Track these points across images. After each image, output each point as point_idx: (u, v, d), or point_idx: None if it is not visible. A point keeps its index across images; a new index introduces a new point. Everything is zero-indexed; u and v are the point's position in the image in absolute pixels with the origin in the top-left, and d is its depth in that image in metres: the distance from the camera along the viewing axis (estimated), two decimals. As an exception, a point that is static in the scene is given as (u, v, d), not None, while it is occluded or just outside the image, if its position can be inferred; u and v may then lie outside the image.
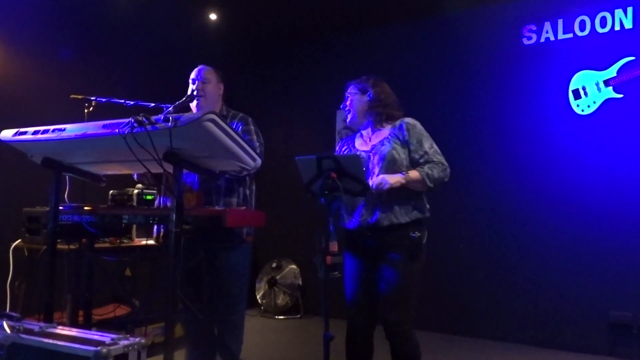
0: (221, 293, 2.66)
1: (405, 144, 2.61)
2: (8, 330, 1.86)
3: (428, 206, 2.66)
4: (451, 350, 4.42)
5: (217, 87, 2.86)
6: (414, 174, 2.53)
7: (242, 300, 2.75)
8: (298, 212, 5.17)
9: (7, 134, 2.36)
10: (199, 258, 2.56)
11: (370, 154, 2.64)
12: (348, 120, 2.80)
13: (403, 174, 2.52)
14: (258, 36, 5.95)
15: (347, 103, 2.78)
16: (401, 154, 2.58)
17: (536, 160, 4.60)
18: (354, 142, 2.82)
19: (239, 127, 2.75)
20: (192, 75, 2.85)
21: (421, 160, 2.58)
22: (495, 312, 4.71)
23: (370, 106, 2.71)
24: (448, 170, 2.60)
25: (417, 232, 2.56)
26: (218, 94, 2.86)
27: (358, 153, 2.63)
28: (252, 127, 2.79)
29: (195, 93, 2.76)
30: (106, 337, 1.86)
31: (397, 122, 2.69)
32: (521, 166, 4.68)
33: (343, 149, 2.84)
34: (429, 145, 2.61)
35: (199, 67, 2.87)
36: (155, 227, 2.88)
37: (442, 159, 2.61)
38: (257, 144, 2.72)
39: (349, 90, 2.79)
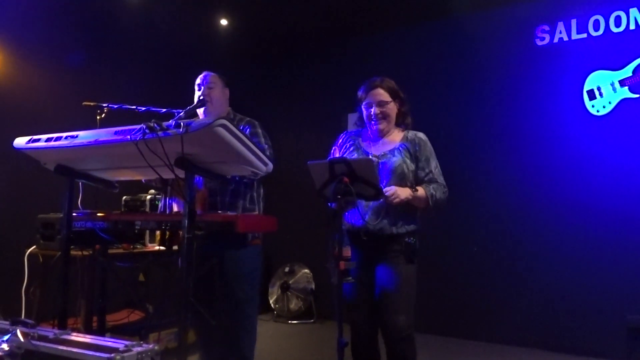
0: (229, 298, 2.64)
1: (414, 159, 2.62)
2: (22, 338, 1.86)
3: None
4: (465, 355, 4.37)
5: (223, 92, 2.87)
6: (421, 192, 2.57)
7: (252, 305, 2.73)
8: (310, 216, 5.14)
9: (21, 141, 2.37)
10: (211, 263, 2.54)
11: (381, 161, 2.62)
12: (381, 126, 2.68)
13: (412, 190, 2.54)
14: (268, 40, 5.95)
15: (386, 110, 2.66)
16: (409, 168, 2.60)
17: (551, 161, 4.55)
18: (358, 141, 2.76)
19: (246, 131, 2.74)
20: (197, 81, 2.87)
21: (425, 179, 2.62)
22: (509, 316, 4.65)
23: (397, 113, 2.71)
24: (447, 192, 2.65)
25: (412, 238, 2.60)
26: (224, 98, 2.88)
27: (370, 156, 2.61)
28: (259, 130, 2.78)
29: (202, 98, 2.77)
30: (119, 344, 1.84)
31: (410, 134, 2.69)
32: (536, 168, 4.63)
33: (348, 145, 2.78)
34: (434, 165, 2.65)
35: (204, 73, 2.88)
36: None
37: (443, 181, 2.65)
38: (266, 146, 2.71)
39: (382, 95, 2.66)
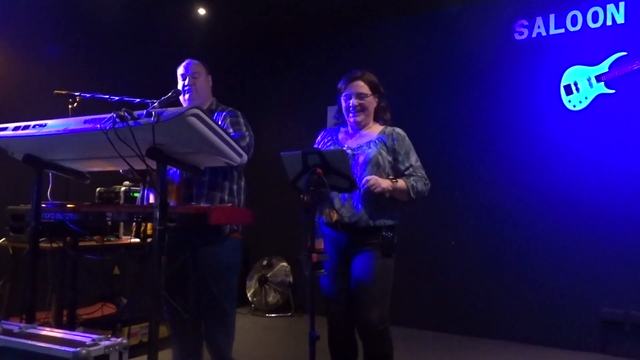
0: (204, 292, 2.60)
1: (391, 151, 2.62)
2: (-13, 332, 1.81)
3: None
4: (443, 349, 4.40)
5: (207, 80, 2.83)
6: (401, 183, 2.56)
7: (229, 298, 2.68)
8: (289, 209, 5.12)
9: (-13, 130, 2.30)
10: (185, 256, 2.50)
11: (356, 153, 2.61)
12: (359, 119, 2.67)
13: (392, 181, 2.53)
14: (248, 32, 5.89)
15: (364, 103, 2.65)
16: (385, 160, 2.60)
17: (528, 156, 4.59)
18: (337, 135, 2.77)
19: (227, 120, 2.69)
20: (180, 70, 2.80)
21: (406, 172, 2.62)
22: (487, 309, 4.68)
23: (376, 107, 2.70)
24: (429, 184, 2.65)
25: (389, 232, 2.59)
26: (208, 86, 2.83)
27: (344, 148, 2.59)
28: (241, 120, 2.72)
29: (186, 88, 2.73)
30: (87, 338, 1.81)
31: (388, 129, 2.68)
32: (512, 162, 4.66)
33: (326, 140, 2.78)
34: (415, 159, 2.65)
35: (186, 62, 2.82)
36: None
37: (424, 173, 2.65)
38: (247, 134, 2.66)
39: (361, 88, 2.65)
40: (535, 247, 4.50)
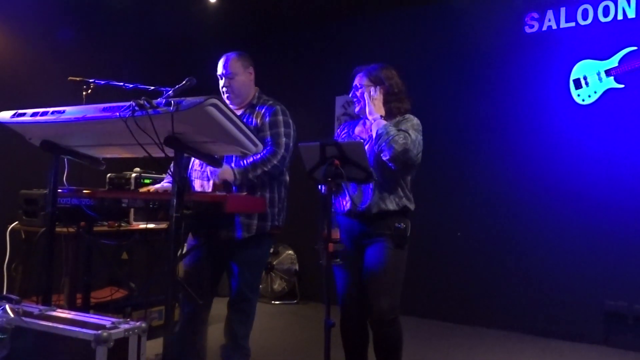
0: (238, 282, 2.64)
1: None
2: (11, 314, 1.85)
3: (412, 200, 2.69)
4: (447, 338, 4.45)
5: (246, 76, 2.78)
6: (383, 122, 2.56)
7: (253, 288, 2.73)
8: (296, 197, 5.16)
9: (6, 115, 2.32)
10: (200, 244, 2.55)
11: (369, 142, 2.63)
12: (357, 110, 2.75)
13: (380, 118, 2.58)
14: (257, 21, 5.88)
15: (357, 93, 2.71)
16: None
17: (536, 149, 4.60)
18: (354, 129, 2.80)
19: (265, 119, 2.69)
20: (218, 68, 2.77)
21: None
22: (491, 300, 4.73)
23: (383, 100, 2.67)
24: (411, 149, 2.49)
25: (402, 224, 2.60)
26: (248, 81, 2.80)
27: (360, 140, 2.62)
28: (280, 118, 2.71)
29: (223, 90, 2.73)
30: (106, 321, 1.85)
31: (399, 118, 2.66)
32: (520, 155, 4.67)
33: (342, 133, 2.83)
34: (413, 132, 2.56)
35: (224, 59, 2.76)
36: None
37: (414, 139, 2.53)
38: (282, 141, 2.65)
39: (359, 80, 2.72)
40: (541, 240, 4.52)
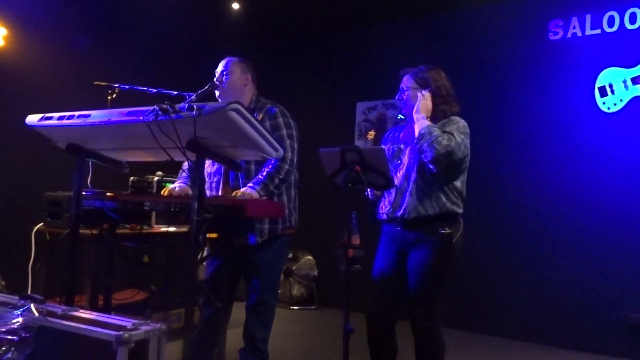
0: (254, 285, 2.67)
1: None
2: (36, 313, 1.88)
3: (461, 202, 2.60)
4: (467, 348, 4.39)
5: (241, 78, 2.84)
6: (430, 124, 2.52)
7: (272, 292, 2.76)
8: (315, 203, 5.17)
9: (33, 118, 2.38)
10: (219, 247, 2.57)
11: (410, 145, 2.59)
12: (403, 113, 2.71)
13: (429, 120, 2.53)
14: (279, 27, 5.92)
15: (404, 96, 2.67)
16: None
17: (560, 157, 4.54)
18: (400, 132, 2.76)
19: (266, 119, 2.74)
20: (218, 67, 2.87)
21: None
22: (512, 310, 4.66)
23: (433, 103, 2.62)
24: (455, 151, 2.44)
25: (446, 229, 2.49)
26: (242, 84, 2.85)
27: (384, 147, 2.61)
28: (280, 120, 2.78)
29: (215, 85, 2.78)
30: (127, 322, 1.87)
31: (444, 120, 2.61)
32: (544, 162, 4.61)
33: (388, 137, 2.81)
34: (459, 135, 2.50)
35: (226, 59, 2.88)
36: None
37: (460, 142, 2.47)
38: (287, 143, 2.71)
39: (405, 82, 2.68)
40: (564, 249, 4.46)
